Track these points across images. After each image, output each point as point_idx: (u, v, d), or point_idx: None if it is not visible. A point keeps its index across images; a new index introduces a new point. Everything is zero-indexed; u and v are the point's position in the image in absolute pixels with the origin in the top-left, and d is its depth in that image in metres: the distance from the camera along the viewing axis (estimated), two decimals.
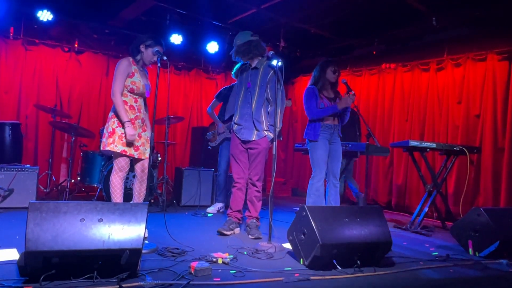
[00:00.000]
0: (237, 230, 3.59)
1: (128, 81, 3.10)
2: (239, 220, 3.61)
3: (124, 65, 3.10)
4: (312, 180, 3.92)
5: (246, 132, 3.51)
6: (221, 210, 4.89)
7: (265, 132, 3.48)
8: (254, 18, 5.54)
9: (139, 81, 3.14)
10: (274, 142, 3.20)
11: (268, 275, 2.35)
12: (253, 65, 3.56)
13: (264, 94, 3.49)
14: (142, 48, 3.15)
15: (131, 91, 3.13)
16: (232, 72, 5.07)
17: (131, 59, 3.17)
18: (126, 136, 3.05)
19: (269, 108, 3.52)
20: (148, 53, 3.15)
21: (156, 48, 3.11)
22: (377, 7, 5.03)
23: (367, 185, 5.92)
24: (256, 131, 3.48)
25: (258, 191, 3.54)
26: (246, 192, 3.62)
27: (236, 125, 3.59)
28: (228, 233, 3.47)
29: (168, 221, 3.24)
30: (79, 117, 6.08)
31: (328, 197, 3.99)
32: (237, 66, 4.97)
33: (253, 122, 3.48)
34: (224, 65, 7.44)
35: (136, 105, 3.18)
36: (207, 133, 5.15)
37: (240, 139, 3.54)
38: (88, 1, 5.39)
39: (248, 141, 3.51)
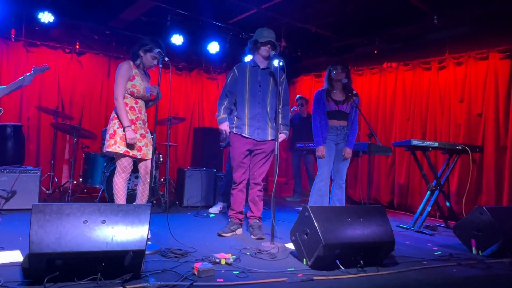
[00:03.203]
0: (239, 231, 3.58)
1: (129, 84, 3.11)
2: (241, 221, 3.61)
3: (125, 68, 3.10)
4: (316, 180, 3.95)
5: (261, 133, 3.46)
6: (223, 211, 4.89)
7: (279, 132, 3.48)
8: (254, 18, 5.54)
9: (139, 84, 3.15)
10: (276, 142, 3.20)
11: (271, 276, 2.35)
12: (265, 65, 3.51)
13: (276, 95, 3.45)
14: (141, 53, 3.15)
15: (131, 94, 3.14)
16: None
17: (131, 62, 3.17)
18: (126, 139, 3.06)
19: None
20: (148, 58, 3.15)
21: (157, 50, 3.11)
22: (378, 6, 5.02)
23: (370, 184, 5.91)
24: (271, 131, 3.46)
25: (260, 191, 3.54)
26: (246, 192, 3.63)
27: (246, 126, 3.47)
28: (228, 235, 3.46)
29: (171, 222, 3.24)
30: (81, 119, 6.09)
31: (332, 197, 4.00)
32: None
33: (268, 122, 3.45)
34: (225, 66, 7.43)
35: (137, 106, 3.18)
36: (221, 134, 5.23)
37: (252, 139, 3.45)
38: (89, 2, 5.39)
39: (263, 141, 3.47)
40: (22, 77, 3.61)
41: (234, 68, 3.57)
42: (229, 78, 3.55)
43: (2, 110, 3.56)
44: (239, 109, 3.51)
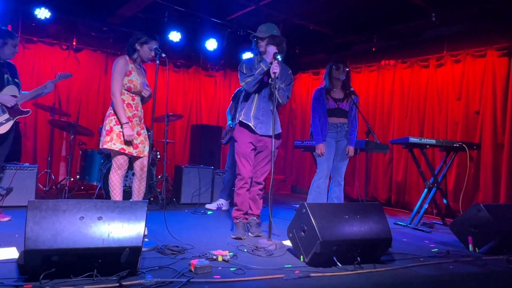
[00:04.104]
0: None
1: (125, 80, 3.09)
2: (247, 220, 3.54)
3: (121, 63, 3.08)
4: (315, 177, 3.95)
5: (263, 127, 3.41)
6: (223, 208, 4.88)
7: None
8: (253, 15, 5.52)
9: (136, 80, 3.13)
10: (273, 139, 3.17)
11: (268, 272, 2.34)
12: (270, 60, 3.36)
13: (275, 91, 3.40)
14: (137, 46, 3.12)
15: (128, 90, 3.12)
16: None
17: (127, 57, 3.15)
18: (124, 136, 3.04)
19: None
20: (145, 50, 3.13)
21: (154, 45, 3.09)
22: (376, 3, 5.01)
23: (367, 182, 5.92)
24: (273, 126, 3.37)
25: (261, 190, 3.51)
26: None
27: (252, 118, 3.39)
28: (244, 237, 3.33)
29: (168, 219, 3.23)
30: (78, 115, 6.06)
31: (331, 195, 4.00)
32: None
33: (272, 117, 3.34)
34: (223, 63, 7.42)
35: (134, 103, 3.16)
36: (223, 131, 5.25)
37: (255, 134, 3.39)
38: None
39: (265, 136, 3.40)
40: (45, 84, 3.69)
41: (244, 60, 3.54)
42: (244, 67, 3.43)
43: (30, 111, 3.64)
44: (247, 102, 3.46)
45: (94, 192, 4.89)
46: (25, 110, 3.59)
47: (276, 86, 3.27)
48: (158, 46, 3.13)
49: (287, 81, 3.51)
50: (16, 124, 4.75)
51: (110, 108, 3.14)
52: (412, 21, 5.35)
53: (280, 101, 3.41)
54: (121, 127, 3.04)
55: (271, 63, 3.24)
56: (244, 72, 3.43)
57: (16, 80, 3.56)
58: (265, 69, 3.27)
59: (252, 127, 3.39)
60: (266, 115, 3.42)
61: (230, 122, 5.04)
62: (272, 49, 3.25)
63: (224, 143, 5.19)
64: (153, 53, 3.13)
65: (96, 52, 6.24)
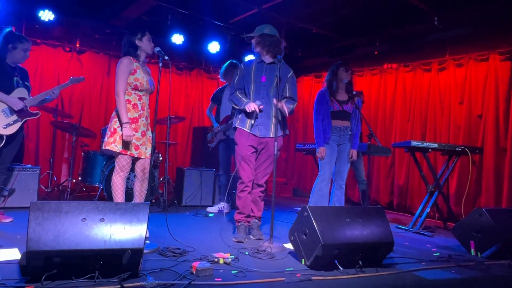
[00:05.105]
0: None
1: (131, 78, 3.09)
2: (249, 223, 3.51)
3: (125, 63, 3.09)
4: (317, 180, 3.94)
5: (263, 129, 3.35)
6: (225, 211, 4.88)
7: (281, 130, 3.41)
8: (255, 18, 5.53)
9: (142, 77, 3.13)
10: (275, 142, 3.17)
11: (269, 275, 2.34)
12: (271, 60, 3.40)
13: (282, 92, 3.36)
14: (137, 42, 3.15)
15: (135, 88, 3.12)
16: (221, 72, 5.02)
17: (131, 57, 3.15)
18: (123, 136, 3.04)
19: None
20: (145, 43, 3.16)
21: (149, 35, 3.15)
22: (379, 6, 5.02)
23: (369, 185, 5.90)
24: (273, 128, 3.34)
25: (262, 192, 3.49)
26: None
27: (248, 121, 3.34)
28: (246, 240, 3.33)
29: (169, 221, 3.23)
30: (80, 117, 6.09)
31: (332, 198, 3.99)
32: (225, 66, 4.88)
33: (272, 119, 3.33)
34: None
35: (140, 103, 3.17)
36: (208, 134, 5.20)
37: (254, 136, 3.34)
38: (90, 1, 5.39)
39: (265, 138, 3.35)
40: (51, 89, 3.76)
41: (241, 64, 3.54)
42: (237, 75, 3.44)
43: (39, 113, 3.72)
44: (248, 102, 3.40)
45: (96, 194, 4.89)
46: (34, 112, 3.63)
47: (281, 100, 3.28)
48: (151, 37, 3.18)
49: (292, 89, 3.44)
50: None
51: (116, 109, 3.14)
52: (415, 24, 5.35)
53: (284, 114, 3.34)
54: (121, 127, 3.05)
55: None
56: (235, 83, 3.44)
57: (26, 83, 3.62)
58: (243, 109, 3.32)
59: (249, 131, 3.35)
60: (265, 117, 3.36)
61: (215, 124, 5.02)
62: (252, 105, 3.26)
63: (212, 147, 5.15)
64: (152, 43, 3.17)
65: (99, 54, 6.27)
